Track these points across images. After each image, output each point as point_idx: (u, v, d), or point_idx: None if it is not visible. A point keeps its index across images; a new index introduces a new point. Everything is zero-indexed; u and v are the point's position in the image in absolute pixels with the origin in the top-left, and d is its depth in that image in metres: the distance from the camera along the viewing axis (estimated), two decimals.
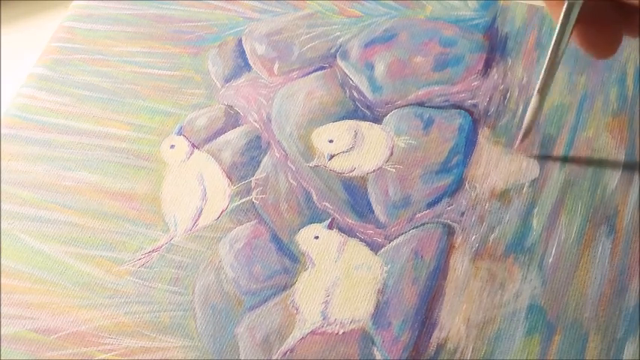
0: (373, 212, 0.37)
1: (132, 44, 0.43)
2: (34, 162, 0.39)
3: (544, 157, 0.38)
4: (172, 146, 0.39)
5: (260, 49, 0.42)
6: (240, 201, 0.37)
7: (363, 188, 0.38)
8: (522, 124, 0.37)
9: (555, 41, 0.32)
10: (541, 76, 0.34)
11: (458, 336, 0.33)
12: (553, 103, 0.40)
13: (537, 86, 0.35)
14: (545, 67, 0.34)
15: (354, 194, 0.37)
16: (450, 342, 0.33)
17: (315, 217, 0.37)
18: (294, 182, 0.38)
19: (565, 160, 0.38)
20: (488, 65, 0.41)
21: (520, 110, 0.39)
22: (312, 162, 0.38)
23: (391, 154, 0.38)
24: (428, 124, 0.39)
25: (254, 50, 0.42)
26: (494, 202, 0.37)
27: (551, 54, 0.33)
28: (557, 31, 0.32)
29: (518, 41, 0.42)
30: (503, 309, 0.34)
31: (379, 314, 0.34)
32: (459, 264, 0.35)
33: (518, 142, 0.38)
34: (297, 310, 0.34)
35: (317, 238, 0.36)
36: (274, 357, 0.33)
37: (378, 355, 0.33)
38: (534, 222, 0.36)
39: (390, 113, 0.40)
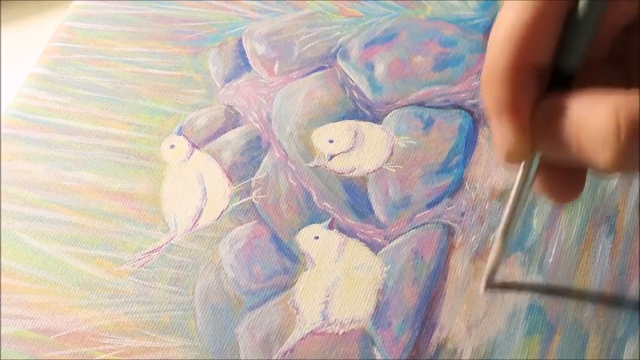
0: (373, 212, 0.37)
1: (132, 44, 0.43)
2: (34, 162, 0.39)
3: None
4: (172, 146, 0.39)
5: (260, 49, 0.42)
6: (240, 201, 0.37)
7: (363, 188, 0.37)
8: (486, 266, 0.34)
9: (517, 189, 0.29)
10: (503, 220, 0.31)
11: (458, 336, 0.33)
12: None
13: (499, 230, 0.31)
14: (507, 212, 0.30)
15: (354, 194, 0.37)
16: (450, 342, 0.33)
17: (315, 217, 0.37)
18: (294, 182, 0.38)
19: None
20: None
21: None
22: (312, 162, 0.38)
23: (391, 154, 0.38)
24: (428, 124, 0.39)
25: (254, 50, 0.42)
26: (494, 202, 0.37)
27: (513, 201, 0.30)
28: (518, 179, 0.28)
29: None
30: (503, 309, 0.34)
31: (379, 314, 0.34)
32: (459, 264, 0.35)
33: (482, 286, 0.34)
34: (297, 310, 0.34)
35: (317, 238, 0.36)
36: (274, 357, 0.33)
37: (378, 355, 0.33)
38: (534, 222, 0.36)
39: (390, 113, 0.40)
